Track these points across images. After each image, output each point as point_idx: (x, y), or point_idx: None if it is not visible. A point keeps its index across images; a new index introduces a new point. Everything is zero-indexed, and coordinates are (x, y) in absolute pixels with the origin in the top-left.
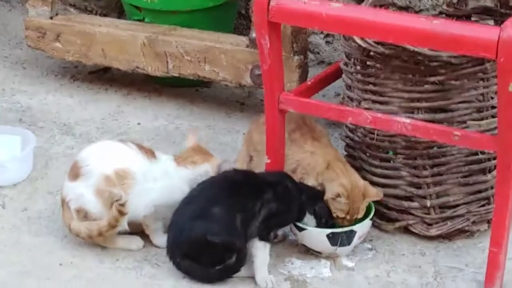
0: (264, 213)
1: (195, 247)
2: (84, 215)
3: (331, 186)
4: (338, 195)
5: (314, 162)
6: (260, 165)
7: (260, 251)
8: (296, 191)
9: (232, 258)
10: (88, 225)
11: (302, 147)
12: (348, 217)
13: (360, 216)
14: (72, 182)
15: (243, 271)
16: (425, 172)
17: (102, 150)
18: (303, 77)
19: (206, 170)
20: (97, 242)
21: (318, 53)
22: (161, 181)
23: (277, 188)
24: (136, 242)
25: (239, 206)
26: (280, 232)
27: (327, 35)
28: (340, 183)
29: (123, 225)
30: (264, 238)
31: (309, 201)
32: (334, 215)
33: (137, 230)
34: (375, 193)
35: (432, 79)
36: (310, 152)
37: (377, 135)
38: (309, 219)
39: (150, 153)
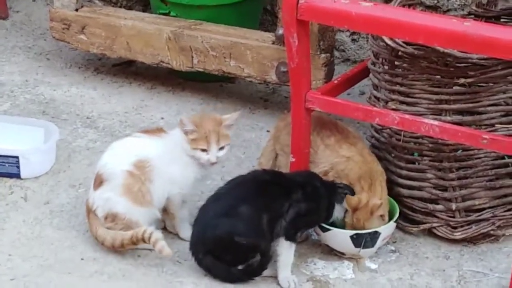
0: (292, 213)
1: (219, 245)
2: (112, 219)
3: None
4: (346, 210)
5: (349, 169)
6: (286, 164)
7: (285, 250)
8: (324, 192)
9: (255, 258)
10: (114, 234)
11: (337, 151)
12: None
13: (367, 227)
14: (97, 190)
15: (265, 271)
16: (451, 175)
17: (116, 151)
18: (329, 75)
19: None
20: (117, 250)
21: (344, 51)
22: (174, 154)
23: (306, 189)
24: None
25: (266, 206)
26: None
27: (353, 33)
28: (353, 198)
29: (155, 213)
30: (290, 238)
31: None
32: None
33: (161, 226)
34: (378, 205)
35: (460, 81)
36: (346, 157)
37: (404, 136)
38: (337, 210)
39: (157, 131)
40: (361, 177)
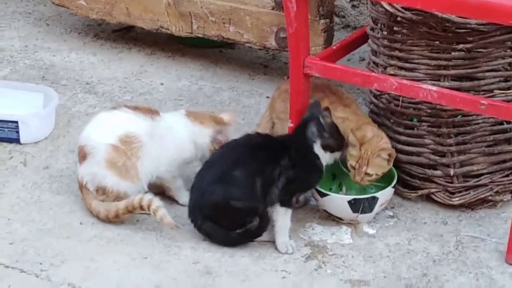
0: (283, 180)
1: (217, 210)
2: (103, 192)
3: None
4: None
5: (347, 127)
6: (283, 132)
7: (281, 216)
8: (309, 152)
9: (254, 222)
10: (107, 206)
11: (333, 114)
12: (357, 166)
13: (369, 170)
14: (82, 165)
15: (263, 235)
16: (449, 141)
17: (99, 123)
18: (328, 41)
19: (206, 134)
20: (114, 222)
21: (344, 16)
22: (167, 137)
23: (292, 153)
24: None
25: (258, 170)
26: (301, 197)
27: None
28: (362, 132)
29: (143, 187)
30: (285, 204)
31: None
32: (348, 165)
33: (158, 190)
34: (390, 151)
35: (459, 46)
36: (342, 118)
37: (402, 101)
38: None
39: (150, 112)
40: (359, 127)
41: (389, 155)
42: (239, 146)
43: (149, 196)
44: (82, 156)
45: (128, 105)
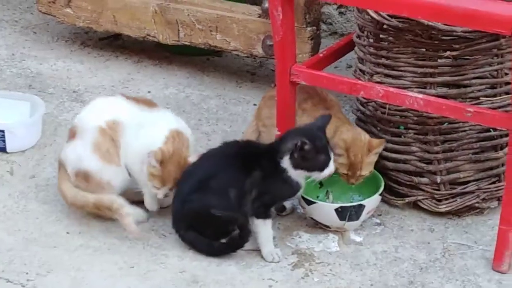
0: (254, 193)
1: (198, 219)
2: (84, 177)
3: (331, 141)
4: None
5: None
6: (269, 139)
7: (261, 227)
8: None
9: (235, 232)
10: (75, 193)
11: (314, 117)
12: (350, 173)
13: (363, 172)
14: (69, 143)
15: (249, 244)
16: (436, 148)
17: (92, 107)
18: (315, 48)
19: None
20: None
21: (331, 24)
22: (144, 130)
23: (265, 165)
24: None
25: (231, 181)
26: (288, 205)
27: (341, 6)
28: (340, 137)
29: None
30: (261, 215)
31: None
32: (340, 172)
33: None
34: (378, 142)
35: (445, 54)
36: None
37: (389, 109)
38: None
39: (147, 103)
40: (337, 127)
41: (376, 145)
42: (215, 155)
43: (121, 201)
44: (71, 135)
45: (125, 94)
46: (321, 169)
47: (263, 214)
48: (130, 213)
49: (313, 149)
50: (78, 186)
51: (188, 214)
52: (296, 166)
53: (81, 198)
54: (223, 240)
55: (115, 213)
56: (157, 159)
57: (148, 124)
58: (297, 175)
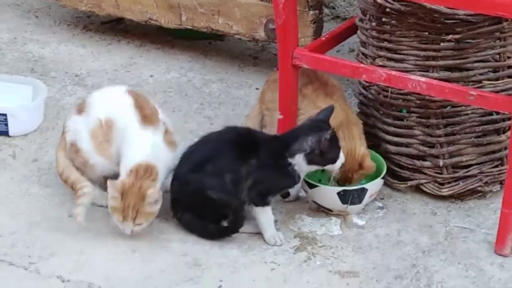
0: (250, 181)
1: (193, 201)
2: (76, 150)
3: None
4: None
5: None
6: (272, 122)
7: (261, 214)
8: (283, 155)
9: (229, 217)
10: (64, 166)
11: (314, 102)
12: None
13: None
14: (75, 115)
15: (251, 227)
16: (439, 131)
17: (108, 95)
18: (317, 32)
19: None
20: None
21: (334, 7)
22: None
23: (264, 155)
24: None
25: (227, 166)
26: (293, 192)
27: None
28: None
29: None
30: (259, 203)
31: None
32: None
33: None
34: (369, 167)
35: (448, 37)
36: (321, 109)
37: (391, 93)
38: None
39: (147, 116)
40: (336, 127)
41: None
42: (214, 140)
43: (90, 189)
44: (80, 108)
45: (138, 95)
46: (334, 161)
47: (261, 202)
48: (83, 203)
49: (330, 145)
50: (69, 155)
51: (185, 195)
52: (310, 162)
53: (66, 173)
54: (224, 224)
55: (76, 194)
56: (117, 190)
57: (129, 139)
58: (306, 170)
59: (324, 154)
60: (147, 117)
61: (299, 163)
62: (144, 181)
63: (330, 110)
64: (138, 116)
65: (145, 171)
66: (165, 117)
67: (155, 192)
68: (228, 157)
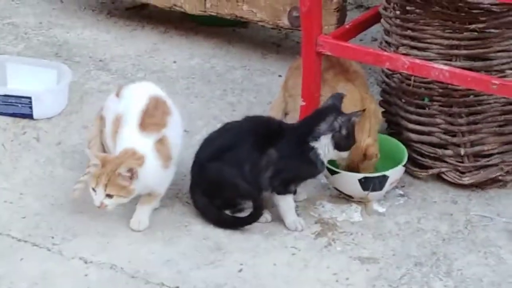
0: (271, 168)
1: (211, 186)
2: (103, 124)
3: None
4: None
5: (344, 107)
6: (295, 109)
7: (282, 201)
8: (305, 146)
9: (245, 207)
10: (92, 141)
11: (333, 88)
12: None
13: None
14: (113, 95)
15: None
16: (461, 120)
17: (141, 93)
18: (341, 20)
19: None
20: None
21: None
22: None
23: (285, 143)
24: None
25: (246, 156)
26: (303, 195)
27: None
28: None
29: None
30: (280, 192)
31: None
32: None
33: None
34: (371, 155)
35: (472, 26)
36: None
37: (414, 81)
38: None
39: (151, 127)
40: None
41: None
42: (234, 128)
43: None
44: (118, 92)
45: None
46: (350, 148)
47: (283, 190)
48: (82, 180)
49: (352, 127)
50: (101, 126)
51: (203, 180)
52: (336, 144)
53: (92, 143)
54: (229, 211)
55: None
56: (100, 159)
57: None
58: (330, 155)
59: (349, 136)
60: (146, 125)
61: (324, 146)
62: (128, 159)
63: (340, 96)
64: (140, 121)
65: (132, 154)
66: (176, 131)
67: (130, 167)
68: (248, 147)
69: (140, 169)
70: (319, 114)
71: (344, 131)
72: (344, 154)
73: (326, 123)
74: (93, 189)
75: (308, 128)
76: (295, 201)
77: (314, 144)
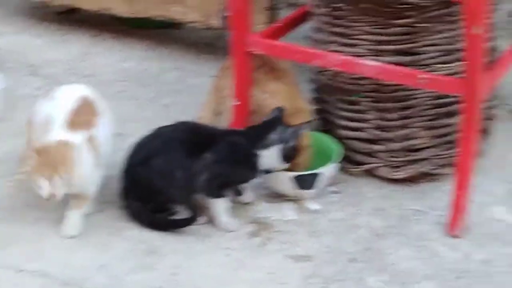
0: (205, 174)
1: (142, 192)
2: (32, 129)
3: None
4: None
5: (273, 105)
6: (227, 110)
7: (214, 204)
8: (246, 148)
9: (178, 209)
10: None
11: (264, 86)
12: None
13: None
14: (43, 99)
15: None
16: (392, 115)
17: (70, 94)
18: (272, 19)
19: None
20: None
21: None
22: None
23: (220, 147)
24: None
25: (178, 162)
26: (250, 197)
27: None
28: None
29: None
30: (215, 196)
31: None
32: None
33: None
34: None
35: (399, 21)
36: (270, 93)
37: (344, 78)
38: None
39: (79, 126)
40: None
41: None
42: (166, 133)
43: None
44: (48, 96)
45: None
46: (294, 159)
47: (217, 194)
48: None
49: (298, 139)
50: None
51: (135, 185)
52: (284, 156)
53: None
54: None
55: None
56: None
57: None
58: (272, 165)
59: (295, 148)
60: (74, 123)
61: (271, 156)
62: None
63: (280, 110)
64: (68, 119)
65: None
66: (105, 132)
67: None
68: (180, 151)
69: (74, 156)
70: (267, 124)
71: (292, 143)
72: (286, 165)
73: (276, 133)
74: (38, 182)
75: (256, 136)
76: (241, 203)
77: (262, 152)
